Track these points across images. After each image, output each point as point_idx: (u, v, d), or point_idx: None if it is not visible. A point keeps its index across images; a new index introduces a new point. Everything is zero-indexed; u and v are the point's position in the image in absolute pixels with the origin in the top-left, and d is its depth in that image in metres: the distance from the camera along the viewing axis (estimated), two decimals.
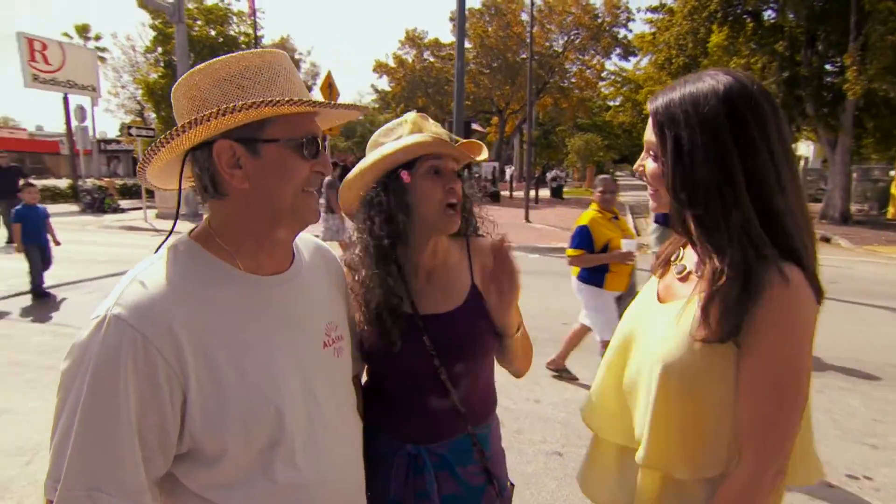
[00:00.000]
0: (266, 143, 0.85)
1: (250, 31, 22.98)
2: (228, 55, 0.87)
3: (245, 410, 0.83)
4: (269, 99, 0.81)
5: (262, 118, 0.85)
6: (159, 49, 23.77)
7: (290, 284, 0.96)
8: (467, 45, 27.94)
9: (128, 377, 0.75)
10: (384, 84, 33.98)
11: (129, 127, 20.24)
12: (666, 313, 1.01)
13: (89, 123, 21.73)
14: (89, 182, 19.20)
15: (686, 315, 0.95)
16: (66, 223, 13.09)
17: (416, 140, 1.18)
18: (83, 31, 32.12)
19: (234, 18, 24.83)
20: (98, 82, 21.63)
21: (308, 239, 1.12)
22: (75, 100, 20.94)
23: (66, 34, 30.79)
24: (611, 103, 37.70)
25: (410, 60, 31.43)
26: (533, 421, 3.52)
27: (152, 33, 23.89)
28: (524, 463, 3.03)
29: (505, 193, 23.91)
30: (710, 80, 0.93)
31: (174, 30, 13.01)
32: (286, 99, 0.82)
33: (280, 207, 0.88)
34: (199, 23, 23.40)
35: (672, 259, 1.14)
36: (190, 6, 24.88)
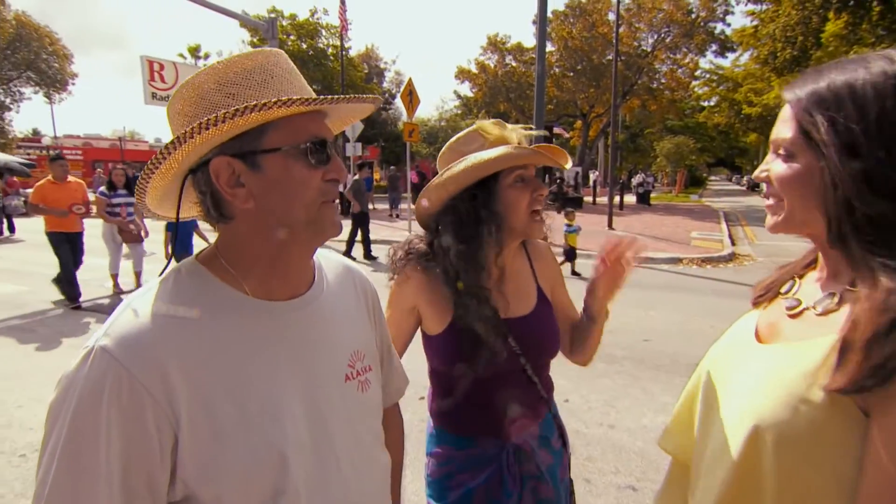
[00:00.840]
0: (266, 154, 0.76)
1: (339, 42, 23.99)
2: (217, 61, 0.78)
3: (245, 456, 0.74)
4: (255, 103, 0.70)
5: (257, 126, 0.75)
6: None
7: (308, 310, 0.86)
8: (550, 48, 27.45)
9: (110, 418, 0.67)
10: (466, 90, 34.25)
11: None
12: (768, 357, 0.82)
13: None
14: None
15: (800, 361, 0.75)
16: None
17: (507, 152, 1.17)
18: (195, 51, 35.21)
19: (324, 31, 26.11)
20: None
21: (334, 258, 1.03)
22: None
23: (180, 55, 33.94)
24: (705, 104, 35.42)
25: (492, 66, 31.38)
26: (605, 448, 3.27)
27: (250, 49, 25.66)
28: (593, 496, 2.80)
29: (588, 199, 23.16)
30: (882, 64, 0.73)
31: (268, 45, 13.86)
32: (275, 100, 0.71)
33: (293, 225, 0.79)
34: (291, 37, 24.87)
35: (782, 291, 0.93)
36: (284, 23, 26.56)
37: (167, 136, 0.79)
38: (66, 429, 0.68)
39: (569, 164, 1.28)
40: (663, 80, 28.96)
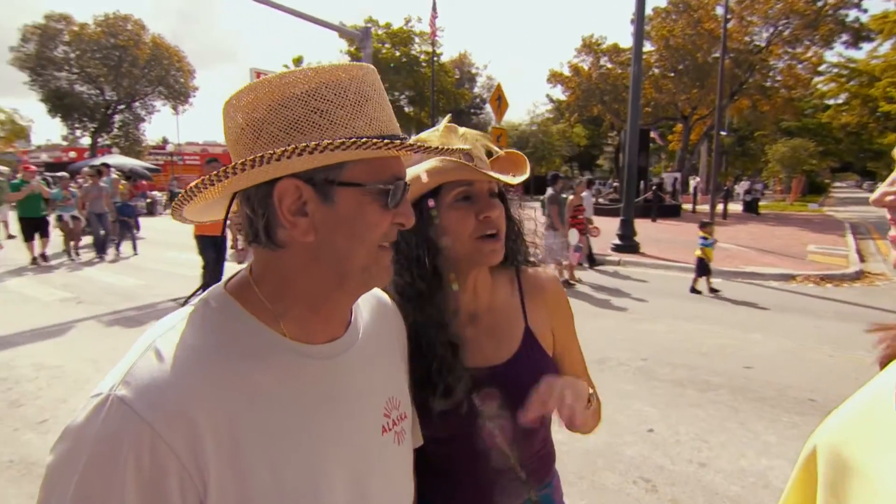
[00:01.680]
0: (344, 188, 0.68)
1: (430, 49, 24.48)
2: (308, 66, 0.69)
3: None
4: (367, 139, 0.62)
5: (346, 159, 0.67)
6: None
7: (347, 354, 0.78)
8: (650, 47, 26.10)
9: (127, 485, 0.57)
10: (559, 93, 33.51)
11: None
12: None
13: None
14: None
15: None
16: None
17: (430, 167, 1.00)
18: (298, 62, 37.60)
19: (417, 38, 26.76)
20: None
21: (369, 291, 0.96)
22: None
23: (284, 66, 36.50)
24: (830, 102, 31.86)
25: (586, 68, 30.45)
26: (694, 490, 2.91)
27: (347, 58, 26.98)
28: None
29: (687, 207, 21.67)
30: None
31: (363, 54, 14.39)
32: (387, 141, 0.63)
33: (350, 268, 0.71)
34: (386, 46, 25.74)
35: None
36: (379, 31, 27.56)
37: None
38: (71, 496, 0.57)
39: (518, 180, 1.08)
40: (779, 78, 26.44)
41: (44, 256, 10.02)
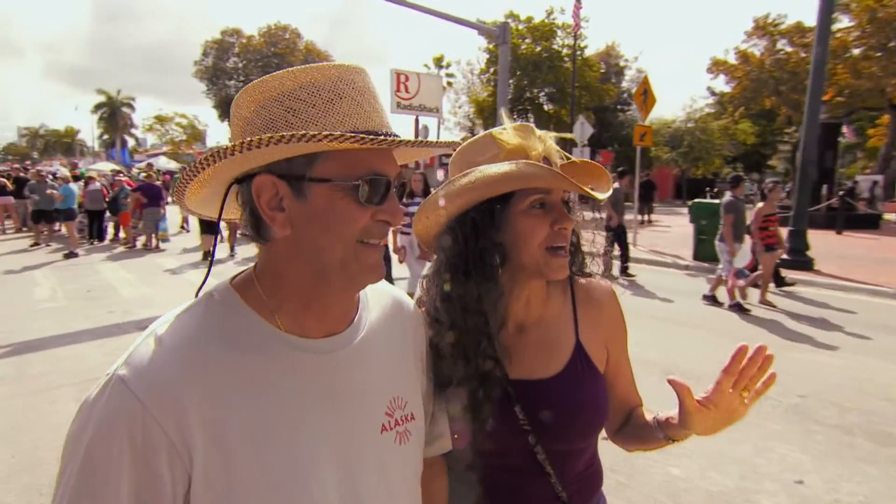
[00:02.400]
0: (313, 183, 0.73)
1: (573, 42, 23.82)
2: (291, 69, 0.75)
3: None
4: (303, 133, 0.66)
5: (308, 152, 0.72)
6: (491, 69, 27.03)
7: (346, 350, 0.82)
8: (848, 23, 22.60)
9: (123, 456, 0.66)
10: (722, 84, 30.55)
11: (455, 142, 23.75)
12: None
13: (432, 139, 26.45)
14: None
15: None
16: None
17: (515, 169, 0.98)
18: (439, 61, 39.18)
19: (560, 32, 26.23)
20: (441, 104, 26.01)
21: (385, 290, 0.97)
22: (422, 121, 25.71)
23: (425, 65, 38.22)
24: None
25: (758, 54, 27.32)
26: None
27: (486, 56, 27.35)
28: None
29: (891, 217, 18.38)
30: None
31: (501, 50, 14.46)
32: (325, 133, 0.67)
33: (327, 263, 0.75)
34: (527, 41, 25.62)
35: None
36: (520, 27, 27.53)
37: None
38: (80, 464, 0.67)
39: (605, 194, 1.07)
40: None
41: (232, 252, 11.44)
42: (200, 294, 0.80)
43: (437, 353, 1.04)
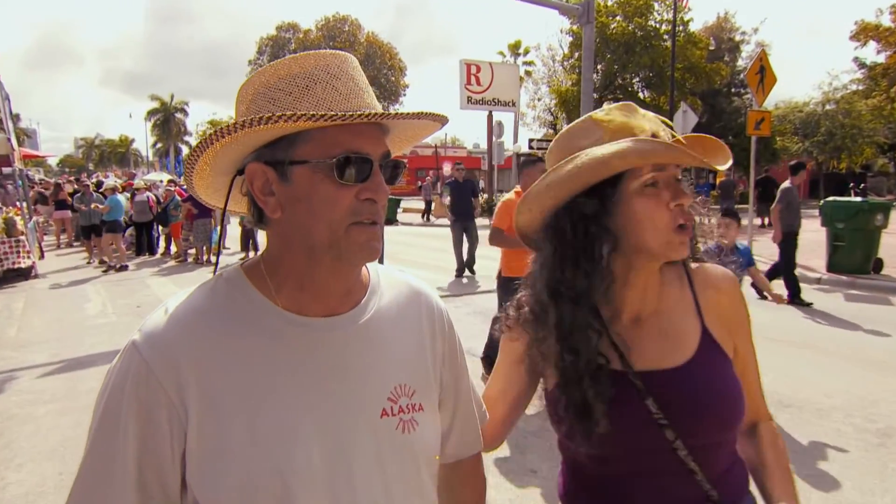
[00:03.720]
0: (294, 166, 0.86)
1: (672, 16, 23.17)
2: (275, 62, 0.90)
3: (245, 476, 0.82)
4: (262, 116, 0.80)
5: (286, 135, 0.85)
6: (575, 54, 26.78)
7: (346, 331, 0.93)
8: None
9: (129, 410, 0.82)
10: (871, 53, 28.50)
11: (532, 140, 23.50)
12: None
13: (506, 138, 26.44)
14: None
15: None
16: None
17: (628, 146, 1.04)
18: (515, 48, 39.38)
19: (657, 5, 25.62)
20: (518, 97, 26.09)
21: (400, 278, 1.09)
22: (496, 116, 25.85)
23: (500, 52, 38.57)
24: None
25: None
26: None
27: (569, 39, 27.16)
28: None
29: None
30: None
31: (585, 30, 14.36)
32: (279, 114, 0.79)
33: (315, 244, 0.88)
34: (617, 18, 25.23)
35: None
36: (609, 2, 27.16)
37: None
38: (98, 419, 0.85)
39: (725, 165, 1.13)
40: None
41: None
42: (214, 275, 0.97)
43: (540, 355, 1.15)
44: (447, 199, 13.61)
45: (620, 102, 1.14)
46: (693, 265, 1.23)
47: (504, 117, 25.75)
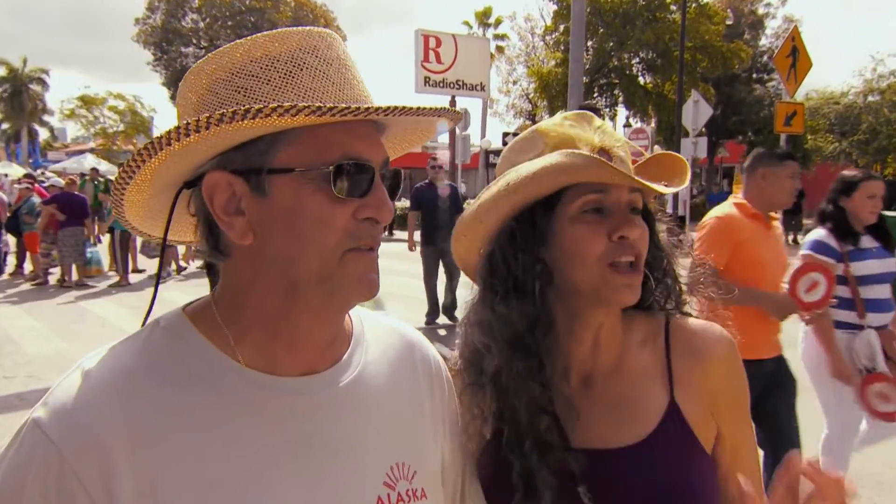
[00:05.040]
0: (275, 176, 0.84)
1: None
2: (241, 40, 0.88)
3: None
4: (245, 108, 0.76)
5: (264, 135, 0.83)
6: (560, 27, 27.31)
7: (327, 393, 0.93)
8: None
9: None
10: None
11: (507, 134, 23.78)
12: None
13: (472, 131, 26.63)
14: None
15: None
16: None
17: (557, 161, 1.10)
18: (485, 17, 40.10)
19: None
20: (488, 79, 26.35)
21: (387, 324, 1.10)
22: (461, 102, 26.04)
23: (466, 22, 39.13)
24: None
25: None
26: None
27: (553, 8, 27.68)
28: None
29: None
30: None
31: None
32: (273, 105, 0.76)
33: (300, 278, 0.86)
34: None
35: None
36: None
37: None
38: None
39: (677, 188, 1.21)
40: None
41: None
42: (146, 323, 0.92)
43: (474, 410, 1.17)
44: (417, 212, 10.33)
45: (579, 110, 1.22)
46: (676, 320, 1.25)
47: (470, 104, 25.94)
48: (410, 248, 10.21)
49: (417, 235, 10.19)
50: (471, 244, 1.24)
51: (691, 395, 1.18)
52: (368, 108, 0.81)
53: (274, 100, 0.83)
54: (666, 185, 1.18)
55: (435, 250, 9.39)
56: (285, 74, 0.84)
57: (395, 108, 0.83)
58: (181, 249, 13.38)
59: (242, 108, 0.76)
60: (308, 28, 0.89)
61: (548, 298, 1.15)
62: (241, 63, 0.85)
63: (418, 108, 0.87)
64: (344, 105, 0.80)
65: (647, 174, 1.20)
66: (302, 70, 0.85)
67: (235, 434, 0.85)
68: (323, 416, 0.91)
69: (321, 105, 0.78)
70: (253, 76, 0.84)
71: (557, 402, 1.15)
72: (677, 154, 1.28)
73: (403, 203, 14.21)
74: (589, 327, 1.20)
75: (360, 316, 1.06)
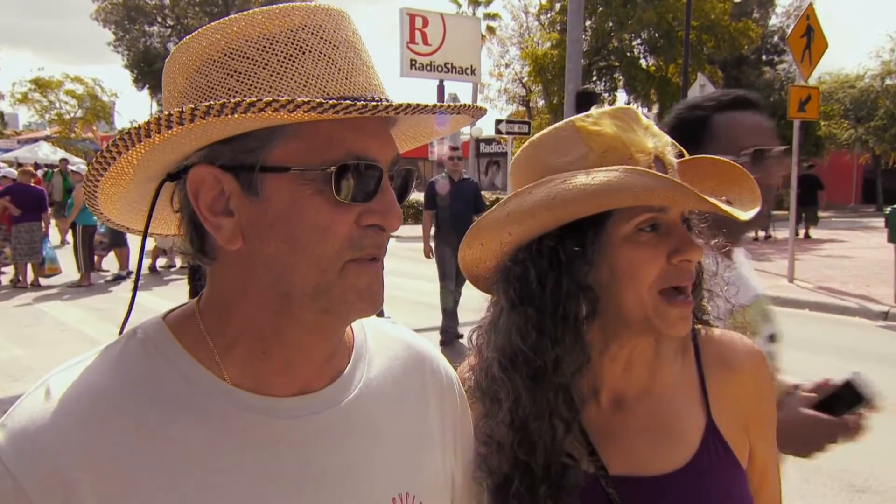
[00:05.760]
0: (269, 175, 0.81)
1: None
2: (240, 15, 0.84)
3: None
4: (251, 100, 0.72)
5: (259, 129, 0.79)
6: (556, 6, 27.32)
7: (326, 415, 0.90)
8: None
9: None
10: None
11: (500, 122, 23.73)
12: None
13: None
14: None
15: None
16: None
17: (620, 179, 1.04)
18: None
19: None
20: (479, 61, 26.33)
21: (390, 334, 1.08)
22: (450, 87, 26.02)
23: (455, 1, 38.99)
24: None
25: None
26: None
27: None
28: None
29: None
30: None
31: None
32: (268, 99, 0.72)
33: (293, 289, 0.83)
34: None
35: None
36: None
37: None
38: None
39: (750, 212, 1.14)
40: None
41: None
42: (123, 333, 0.89)
43: (489, 443, 1.13)
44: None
45: (616, 106, 1.16)
46: (703, 332, 1.24)
47: (460, 89, 25.98)
48: (427, 255, 9.64)
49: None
50: (486, 254, 1.20)
51: (727, 411, 1.19)
52: (377, 105, 0.77)
53: (271, 88, 0.80)
54: (743, 210, 1.14)
55: (453, 253, 8.47)
56: (285, 58, 0.81)
57: (409, 105, 0.80)
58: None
59: (232, 100, 0.73)
60: (313, 4, 0.85)
61: (582, 324, 1.12)
62: (236, 42, 0.82)
63: (435, 106, 0.84)
64: (349, 102, 0.76)
65: (697, 181, 1.18)
66: (304, 53, 0.82)
67: (220, 466, 0.82)
68: (319, 443, 0.89)
69: (322, 101, 0.74)
70: (248, 58, 0.81)
71: (588, 427, 1.14)
72: (735, 163, 1.24)
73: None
74: (625, 349, 1.18)
75: (362, 324, 1.03)
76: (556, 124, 1.18)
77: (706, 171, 1.25)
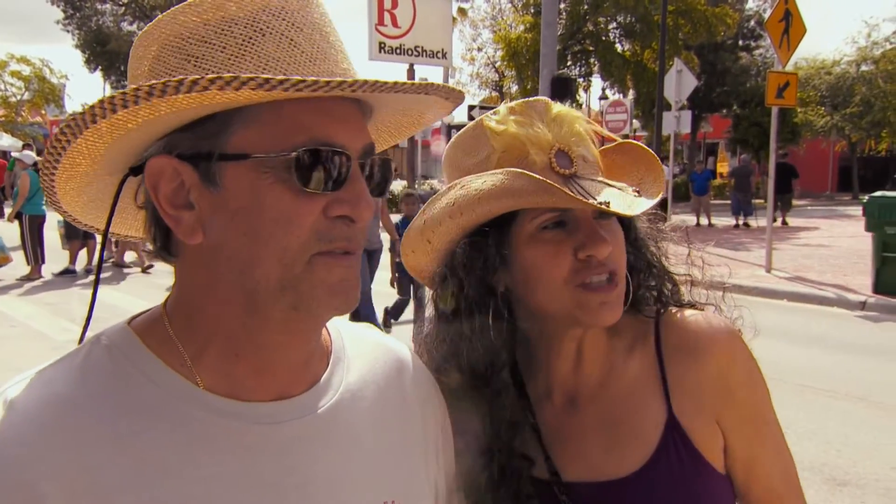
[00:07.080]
0: (228, 163, 0.80)
1: None
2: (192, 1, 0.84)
3: None
4: (194, 77, 0.72)
5: (216, 113, 0.79)
6: None
7: (303, 421, 0.90)
8: None
9: None
10: None
11: (473, 108, 23.75)
12: None
13: None
14: (426, 185, 23.10)
15: None
16: None
17: (502, 183, 1.06)
18: None
19: None
20: (450, 44, 26.24)
21: (368, 338, 1.08)
22: (421, 72, 25.92)
23: None
24: None
25: None
26: None
27: None
28: None
29: None
30: None
31: None
32: (212, 76, 0.71)
33: (258, 285, 0.82)
34: None
35: None
36: None
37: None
38: None
39: (650, 201, 1.12)
40: None
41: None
42: (85, 338, 0.88)
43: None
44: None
45: (525, 99, 1.17)
46: (665, 317, 1.21)
47: (430, 73, 25.87)
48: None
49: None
50: (420, 259, 1.22)
51: (690, 403, 1.16)
52: (330, 82, 0.75)
53: (227, 70, 0.79)
54: (636, 193, 1.13)
55: None
56: (244, 41, 0.80)
57: (367, 82, 0.78)
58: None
59: (175, 79, 0.72)
60: None
61: (516, 318, 1.14)
62: (195, 26, 0.81)
63: (397, 84, 0.82)
64: (299, 78, 0.74)
65: (614, 164, 1.19)
66: (264, 36, 0.81)
67: (199, 475, 0.81)
68: (299, 450, 0.88)
69: (269, 77, 0.72)
70: (206, 42, 0.80)
71: (544, 430, 1.14)
72: (644, 147, 1.25)
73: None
74: (570, 340, 1.17)
75: (339, 329, 1.03)
76: (471, 122, 1.20)
77: (637, 155, 1.24)
